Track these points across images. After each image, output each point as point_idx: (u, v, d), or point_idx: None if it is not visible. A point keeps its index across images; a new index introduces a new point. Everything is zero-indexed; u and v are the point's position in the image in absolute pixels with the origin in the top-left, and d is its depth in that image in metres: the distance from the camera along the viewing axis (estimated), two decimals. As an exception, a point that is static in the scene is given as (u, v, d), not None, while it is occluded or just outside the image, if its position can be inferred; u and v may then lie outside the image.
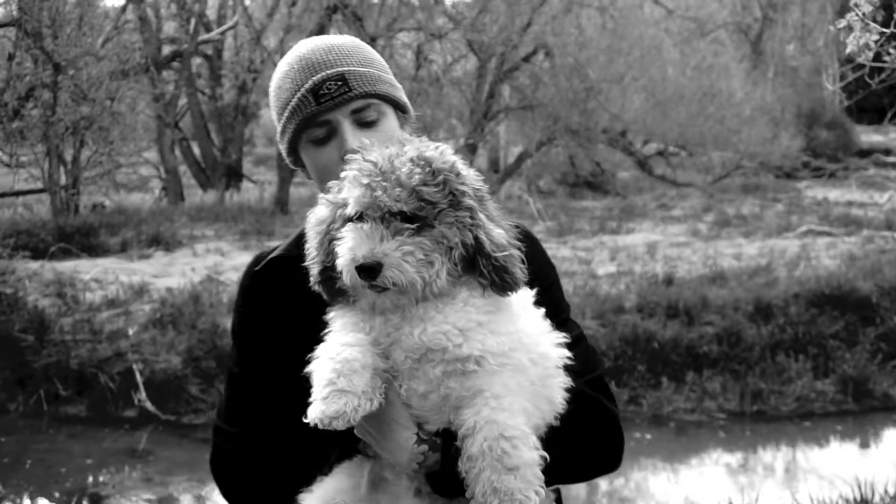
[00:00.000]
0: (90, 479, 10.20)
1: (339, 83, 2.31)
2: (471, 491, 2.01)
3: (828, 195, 25.29)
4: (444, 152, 2.16)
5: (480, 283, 2.13)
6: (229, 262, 15.47)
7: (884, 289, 14.01)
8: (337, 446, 2.27)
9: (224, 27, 20.28)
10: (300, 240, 2.35)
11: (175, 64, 20.83)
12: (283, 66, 2.42)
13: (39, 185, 17.61)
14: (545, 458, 2.06)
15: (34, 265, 14.21)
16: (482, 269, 2.11)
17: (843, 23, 4.53)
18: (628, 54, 22.30)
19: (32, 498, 9.85)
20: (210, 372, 11.80)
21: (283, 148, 2.45)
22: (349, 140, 2.29)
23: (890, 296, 13.98)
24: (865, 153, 38.67)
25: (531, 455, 2.03)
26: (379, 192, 2.05)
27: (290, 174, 20.70)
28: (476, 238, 2.11)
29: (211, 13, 22.37)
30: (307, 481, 2.28)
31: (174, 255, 15.96)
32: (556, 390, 2.19)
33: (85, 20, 16.71)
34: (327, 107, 2.31)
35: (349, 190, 2.10)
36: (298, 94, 2.34)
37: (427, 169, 2.09)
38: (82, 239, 16.13)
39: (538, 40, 21.40)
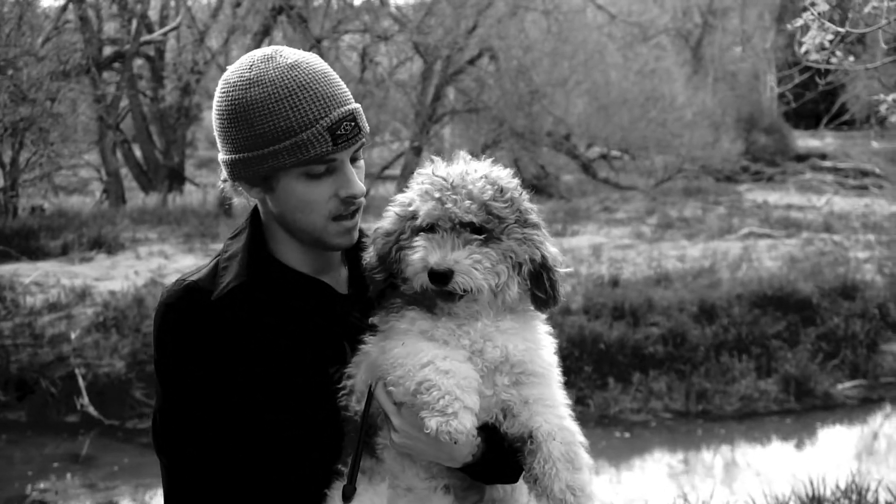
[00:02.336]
0: (31, 486, 10.02)
1: (353, 124, 2.30)
2: (548, 489, 2.22)
3: (767, 198, 25.65)
4: (509, 173, 2.33)
5: (538, 298, 2.31)
6: (173, 265, 15.31)
7: (824, 290, 14.25)
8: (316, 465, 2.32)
9: (167, 28, 20.05)
10: (216, 271, 2.36)
11: (116, 65, 20.56)
12: (272, 86, 2.25)
13: (-23, 187, 17.30)
14: None
15: (-28, 269, 13.96)
16: (545, 285, 2.29)
17: (799, 22, 4.57)
18: (572, 58, 22.44)
19: (-28, 506, 9.66)
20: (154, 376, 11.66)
21: (250, 172, 2.30)
22: (353, 183, 2.32)
23: (830, 297, 14.22)
24: (802, 158, 39.28)
25: (588, 456, 2.30)
26: (450, 205, 2.20)
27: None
28: (543, 255, 2.30)
29: (153, 14, 22.10)
30: None
31: (116, 258, 15.74)
32: None
33: (24, 20, 16.43)
34: (342, 148, 2.28)
35: (420, 203, 2.25)
36: (313, 130, 2.24)
37: (496, 186, 2.26)
38: (22, 242, 15.86)
39: (483, 43, 21.46)
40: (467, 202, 2.21)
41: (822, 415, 12.27)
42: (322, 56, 18.91)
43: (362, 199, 2.36)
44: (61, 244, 16.30)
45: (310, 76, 2.27)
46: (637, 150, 25.61)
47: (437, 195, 2.23)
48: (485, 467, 2.29)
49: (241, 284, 2.31)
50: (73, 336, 11.90)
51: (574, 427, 2.29)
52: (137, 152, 22.21)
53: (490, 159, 2.38)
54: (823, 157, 39.50)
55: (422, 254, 2.20)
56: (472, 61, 22.30)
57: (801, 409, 12.25)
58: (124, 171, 22.80)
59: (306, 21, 17.58)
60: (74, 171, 22.07)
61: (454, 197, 2.22)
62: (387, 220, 2.33)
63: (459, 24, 20.78)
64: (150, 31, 20.94)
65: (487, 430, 2.27)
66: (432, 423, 2.09)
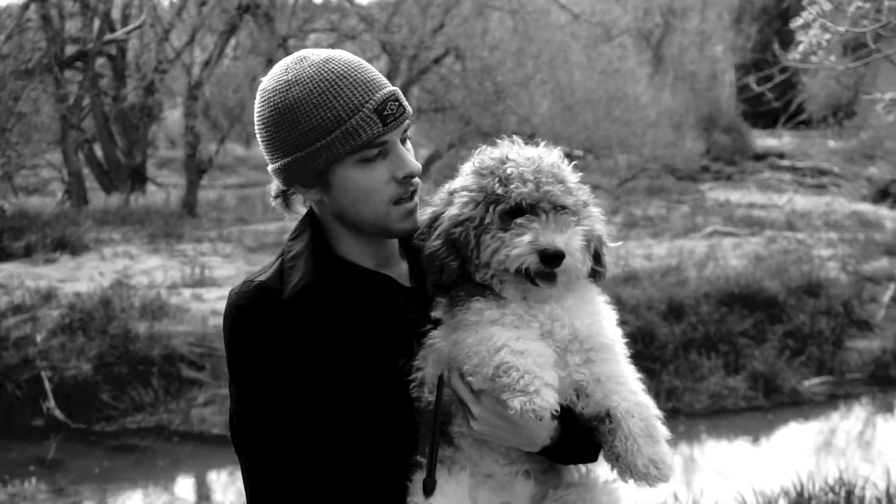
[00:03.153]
0: (-2, 490, 9.88)
1: (397, 104, 2.30)
2: (631, 465, 2.25)
3: (729, 197, 25.85)
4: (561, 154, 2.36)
5: (596, 272, 2.37)
6: (139, 265, 15.17)
7: (790, 287, 14.40)
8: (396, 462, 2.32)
9: (131, 26, 19.84)
10: (282, 271, 2.34)
11: (79, 64, 20.31)
12: (312, 82, 2.25)
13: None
14: None
15: (-66, 270, 13.75)
16: (602, 259, 2.38)
17: (799, 21, 4.56)
18: (537, 58, 22.46)
19: (-63, 513, 9.51)
20: (122, 378, 11.55)
21: (304, 171, 2.29)
22: (407, 162, 2.31)
23: (795, 294, 14.37)
24: (761, 157, 39.62)
25: (664, 428, 2.33)
26: (548, 187, 2.22)
27: (199, 175, 20.37)
28: (601, 231, 2.37)
29: (115, 12, 21.85)
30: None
31: (81, 260, 15.56)
32: None
33: (-15, 18, 16.20)
34: (392, 127, 2.28)
35: (510, 186, 2.23)
36: (361, 114, 2.24)
37: (570, 167, 2.34)
38: (-17, 243, 15.65)
39: (449, 43, 21.43)
40: (559, 185, 2.25)
41: (791, 411, 12.39)
42: (288, 55, 18.74)
43: (419, 180, 2.34)
44: (24, 245, 16.08)
45: (346, 66, 2.28)
46: (601, 150, 25.67)
47: (531, 178, 2.23)
48: (563, 449, 2.32)
49: (310, 283, 2.28)
50: (38, 338, 11.75)
51: (648, 401, 2.32)
52: (98, 152, 21.95)
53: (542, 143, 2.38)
54: (781, 156, 39.87)
55: (531, 236, 2.18)
56: (437, 60, 22.28)
57: (770, 406, 12.36)
58: (85, 170, 22.53)
59: (272, 20, 17.47)
60: (35, 172, 21.79)
61: (548, 179, 2.24)
62: (457, 207, 2.29)
63: (426, 23, 20.74)
64: (113, 29, 20.70)
65: (563, 412, 2.26)
66: (516, 402, 2.10)
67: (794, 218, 21.87)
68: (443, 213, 2.32)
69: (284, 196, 2.42)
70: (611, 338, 2.35)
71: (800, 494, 6.93)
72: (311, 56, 2.30)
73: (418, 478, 2.27)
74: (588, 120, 24.12)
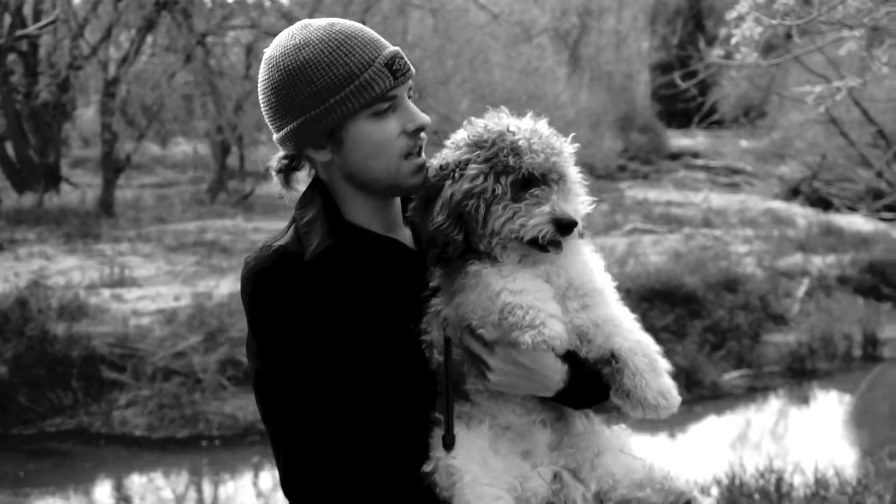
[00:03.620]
0: (-89, 497, 9.61)
1: (403, 59, 2.36)
2: (642, 399, 2.34)
3: (647, 195, 26.24)
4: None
5: (583, 233, 2.42)
6: (55, 266, 14.85)
7: (708, 283, 14.68)
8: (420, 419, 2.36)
9: (44, 22, 19.36)
10: (298, 236, 2.36)
11: (-12, 60, 19.80)
12: (321, 43, 2.30)
13: None
14: None
15: None
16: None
17: (733, 13, 4.63)
18: (457, 56, 22.51)
19: None
20: (40, 381, 11.30)
21: (319, 129, 2.31)
22: (417, 114, 2.36)
23: (714, 290, 14.66)
24: (676, 156, 40.26)
25: (664, 361, 2.44)
26: (556, 158, 2.31)
27: (116, 174, 20.00)
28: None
29: (26, 7, 21.32)
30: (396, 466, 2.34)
31: (-6, 260, 15.19)
32: None
33: None
34: (401, 82, 2.33)
35: (524, 158, 2.29)
36: (373, 68, 2.29)
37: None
38: None
39: (369, 41, 21.35)
40: (562, 155, 2.35)
41: (712, 404, 12.61)
42: (207, 52, 18.64)
43: (425, 135, 2.39)
44: (-66, 246, 15.66)
45: (351, 27, 2.35)
46: (521, 149, 25.81)
47: (540, 148, 2.30)
48: (575, 392, 2.39)
49: (329, 246, 2.30)
50: (-48, 341, 11.43)
51: (647, 337, 2.43)
52: (10, 150, 21.41)
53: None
54: (696, 155, 40.55)
55: (549, 206, 2.26)
56: (357, 59, 22.17)
57: (691, 400, 12.55)
58: (-4, 169, 22.00)
59: (191, 16, 17.24)
60: (-57, 170, 21.21)
61: (554, 150, 2.33)
62: (466, 180, 2.31)
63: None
64: (25, 25, 20.21)
65: (570, 357, 2.36)
66: (526, 337, 2.17)
67: (711, 215, 22.30)
68: (438, 187, 2.34)
69: (287, 170, 2.45)
70: (602, 283, 2.44)
71: (732, 481, 7.07)
72: (314, 22, 2.36)
73: (438, 434, 2.32)
74: (508, 119, 24.20)
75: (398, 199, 2.49)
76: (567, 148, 2.38)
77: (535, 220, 2.27)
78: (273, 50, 2.36)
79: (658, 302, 13.91)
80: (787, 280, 16.15)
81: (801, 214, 23.46)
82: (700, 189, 29.27)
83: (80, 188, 22.31)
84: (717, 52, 5.91)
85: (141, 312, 12.51)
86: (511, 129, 2.34)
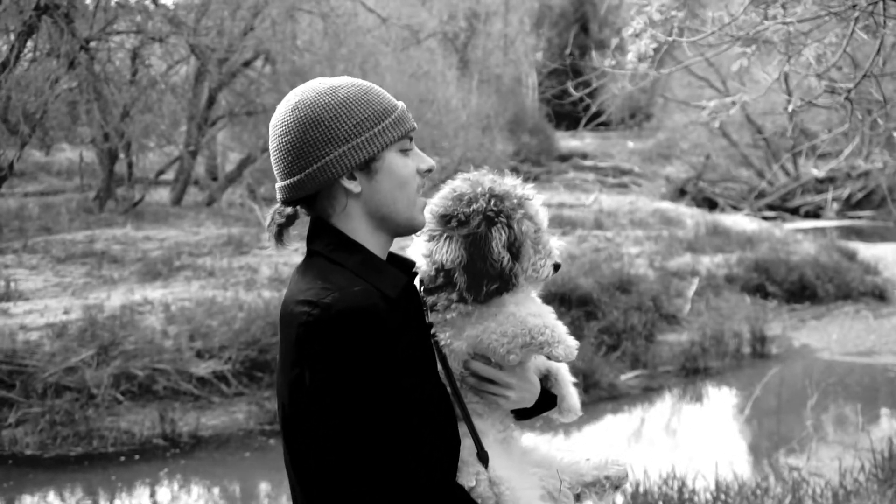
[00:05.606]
0: None
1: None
2: (571, 405, 2.82)
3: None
4: None
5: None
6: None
7: (602, 284, 14.92)
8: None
9: (-84, 26, 18.63)
10: (358, 275, 2.46)
11: None
12: (352, 86, 2.52)
13: None
14: None
15: None
16: None
17: (630, 30, 4.73)
18: (348, 61, 22.40)
19: None
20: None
21: (362, 155, 2.49)
22: (426, 157, 2.62)
23: (608, 291, 14.90)
24: (565, 157, 40.86)
25: None
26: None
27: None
28: None
29: None
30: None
31: None
32: None
33: None
34: (415, 126, 2.58)
35: (536, 211, 2.68)
36: (399, 109, 2.54)
37: None
38: None
39: (259, 46, 21.14)
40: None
41: (611, 404, 12.80)
42: (92, 57, 18.17)
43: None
44: None
45: (364, 80, 2.59)
46: (414, 152, 25.84)
47: (536, 202, 2.68)
48: (539, 401, 2.76)
49: (406, 282, 2.53)
50: None
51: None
52: None
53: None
54: (584, 156, 41.21)
55: (553, 250, 2.73)
56: (247, 63, 21.93)
57: (589, 401, 12.71)
58: None
59: (73, 21, 16.76)
60: None
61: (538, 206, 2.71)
62: (522, 224, 2.64)
63: (235, 25, 20.39)
64: None
65: None
66: (560, 350, 2.55)
67: (602, 217, 22.65)
68: (484, 233, 2.59)
69: (286, 224, 2.59)
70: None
71: (636, 489, 7.17)
72: (329, 78, 2.58)
73: (465, 451, 2.55)
74: (400, 123, 24.21)
75: None
76: None
77: (548, 262, 2.70)
78: (300, 96, 2.52)
79: (554, 304, 13.93)
80: (678, 280, 16.52)
81: (689, 215, 24.00)
82: (590, 190, 29.73)
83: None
84: (608, 62, 6.03)
85: (29, 327, 12.14)
86: (516, 186, 2.67)
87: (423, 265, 2.62)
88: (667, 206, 26.22)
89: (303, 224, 2.63)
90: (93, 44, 18.05)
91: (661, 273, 16.46)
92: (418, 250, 2.65)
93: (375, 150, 2.48)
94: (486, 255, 2.57)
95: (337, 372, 2.30)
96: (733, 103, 4.67)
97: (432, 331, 2.60)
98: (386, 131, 2.49)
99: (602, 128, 45.03)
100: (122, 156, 21.55)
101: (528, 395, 2.69)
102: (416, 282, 2.64)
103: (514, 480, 2.54)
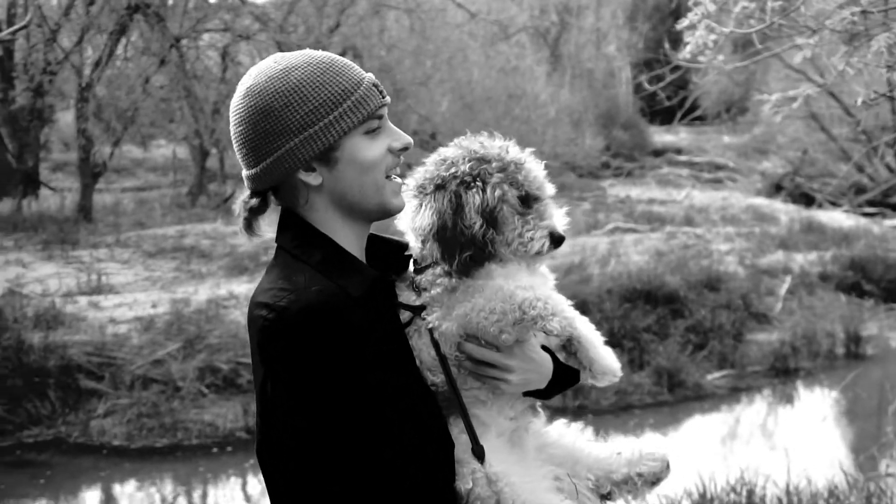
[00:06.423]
0: None
1: (380, 84, 2.41)
2: (605, 367, 2.49)
3: (630, 193, 26.21)
4: None
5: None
6: (32, 273, 14.70)
7: (690, 282, 14.64)
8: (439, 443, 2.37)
9: (15, 27, 19.15)
10: (322, 273, 2.31)
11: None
12: (308, 66, 2.32)
13: None
14: None
15: None
16: None
17: (685, 22, 4.58)
18: (435, 56, 22.43)
19: None
20: (17, 391, 11.16)
21: (317, 147, 2.30)
22: (402, 134, 2.42)
23: (695, 289, 14.62)
24: (659, 153, 40.33)
25: None
26: (545, 179, 2.48)
27: (94, 179, 19.85)
28: None
29: (0, 12, 21.14)
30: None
31: (-30, 268, 15.03)
32: None
33: None
34: (386, 102, 2.38)
35: (530, 176, 2.44)
36: (363, 87, 2.33)
37: None
38: None
39: (346, 42, 21.27)
40: (545, 174, 2.51)
41: (695, 405, 12.56)
42: (182, 55, 18.49)
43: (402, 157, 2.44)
44: None
45: (329, 54, 2.39)
46: (501, 148, 25.75)
47: (536, 167, 2.47)
48: (557, 379, 2.52)
49: (374, 279, 2.34)
50: (-74, 352, 11.28)
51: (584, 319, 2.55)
52: (-13, 156, 21.24)
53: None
54: (679, 151, 40.61)
55: (549, 221, 2.46)
56: (335, 60, 22.06)
57: (674, 401, 12.51)
58: (-27, 176, 21.81)
59: (164, 20, 17.08)
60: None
61: (541, 171, 2.49)
62: (496, 188, 2.43)
63: (322, 22, 20.54)
64: (-1, 29, 20.05)
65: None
66: (554, 323, 2.33)
67: (693, 213, 22.28)
68: (462, 195, 2.42)
69: (255, 212, 2.40)
70: (550, 278, 2.58)
71: (702, 496, 6.98)
72: (287, 53, 2.38)
73: (460, 448, 2.35)
74: (488, 118, 24.17)
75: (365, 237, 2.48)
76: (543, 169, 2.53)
77: (539, 233, 2.43)
78: (253, 79, 2.33)
79: (640, 302, 13.85)
80: (769, 278, 16.14)
81: (783, 211, 23.47)
82: (683, 186, 29.28)
83: (59, 193, 22.15)
84: (682, 55, 5.84)
85: (118, 320, 12.40)
86: (511, 150, 2.47)
87: (413, 242, 2.47)
88: (760, 201, 25.69)
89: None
90: (183, 42, 18.37)
91: (751, 271, 16.10)
92: (405, 226, 2.48)
93: (332, 139, 2.30)
94: (457, 221, 2.38)
95: (297, 377, 2.19)
96: (794, 98, 4.47)
97: (423, 314, 2.39)
98: (344, 116, 2.30)
99: (697, 122, 44.38)
100: (213, 152, 21.90)
101: (535, 376, 2.47)
102: (411, 264, 2.47)
103: (514, 475, 2.31)
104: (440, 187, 2.43)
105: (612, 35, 45.05)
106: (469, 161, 2.44)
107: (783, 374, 13.57)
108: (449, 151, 2.48)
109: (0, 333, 11.51)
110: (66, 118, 26.96)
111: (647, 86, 8.50)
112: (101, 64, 17.93)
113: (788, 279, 16.20)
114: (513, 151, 2.46)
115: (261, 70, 2.34)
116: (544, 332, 2.36)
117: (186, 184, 24.03)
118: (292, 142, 2.29)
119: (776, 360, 13.70)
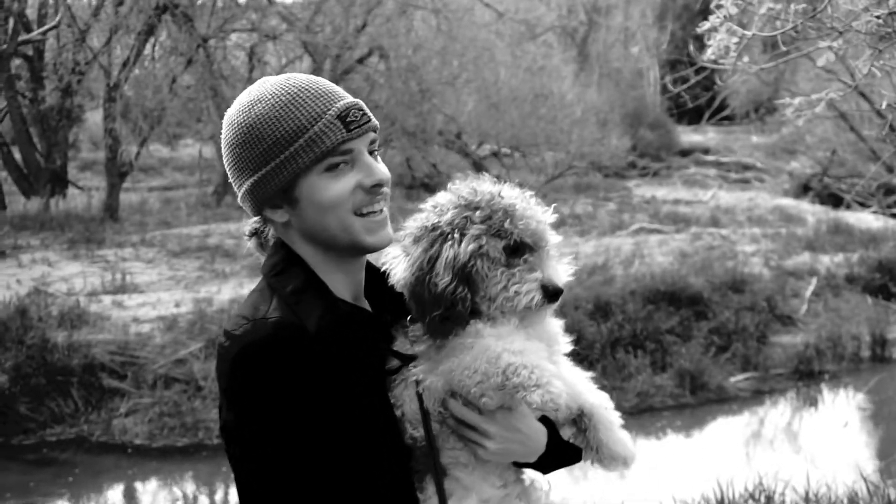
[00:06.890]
0: (-89, 508, 9.57)
1: (361, 112, 2.26)
2: (613, 453, 2.42)
3: (655, 194, 26.08)
4: None
5: None
6: (58, 272, 14.80)
7: (714, 284, 14.54)
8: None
9: (46, 27, 19.34)
10: (288, 304, 2.22)
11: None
12: (272, 98, 2.23)
13: None
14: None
15: None
16: None
17: (706, 25, 4.55)
18: (462, 56, 22.43)
19: None
20: (41, 389, 11.25)
21: (272, 187, 2.23)
22: (375, 169, 2.26)
23: (720, 291, 14.51)
24: (686, 152, 40.10)
25: None
26: (542, 226, 2.28)
27: (120, 178, 19.98)
28: None
29: (30, 12, 21.32)
30: None
31: (-3, 267, 15.16)
32: None
33: None
34: (356, 134, 2.23)
35: (520, 223, 2.25)
36: (323, 121, 2.20)
37: None
38: None
39: (373, 42, 21.32)
40: (545, 222, 2.31)
41: (717, 408, 12.48)
42: (209, 55, 18.59)
43: (387, 189, 2.29)
44: (-63, 253, 15.64)
45: (305, 80, 2.27)
46: (527, 148, 25.73)
47: (529, 214, 2.28)
48: (550, 455, 2.38)
49: (333, 318, 2.21)
50: (-48, 350, 11.39)
51: (603, 393, 2.46)
52: (17, 155, 21.43)
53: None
54: (706, 151, 40.37)
55: (539, 274, 2.26)
56: (361, 60, 22.13)
57: (696, 403, 12.44)
58: (3, 174, 22.01)
59: (192, 20, 17.18)
60: (-51, 176, 21.26)
61: (541, 217, 2.30)
62: (472, 241, 2.26)
63: (348, 22, 20.59)
64: (29, 30, 20.21)
65: (543, 419, 2.37)
66: (535, 396, 2.13)
67: (719, 213, 22.14)
68: (437, 249, 2.27)
69: (258, 234, 2.39)
70: (563, 342, 2.43)
71: (720, 502, 6.93)
72: (272, 78, 2.30)
73: None
74: (514, 118, 24.15)
75: (363, 269, 2.39)
76: (548, 215, 2.34)
77: (528, 286, 2.24)
78: (231, 108, 2.30)
79: (663, 304, 13.78)
80: (795, 280, 16.00)
81: (811, 212, 23.28)
82: (710, 186, 29.11)
83: (87, 192, 22.30)
84: (705, 57, 5.80)
85: (142, 319, 12.47)
86: (504, 193, 2.30)
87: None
88: (787, 202, 25.49)
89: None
90: (210, 42, 18.45)
91: (776, 272, 15.97)
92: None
93: (283, 181, 2.21)
94: (428, 277, 2.23)
95: (241, 407, 2.15)
96: (818, 101, 4.43)
97: (411, 364, 2.27)
98: (296, 156, 2.19)
99: (725, 122, 44.11)
100: (239, 151, 21.99)
101: (518, 448, 2.29)
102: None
103: None
104: (418, 239, 2.29)
105: (640, 34, 44.87)
106: (453, 209, 2.29)
107: (807, 377, 13.46)
108: (442, 197, 2.34)
109: (25, 332, 11.61)
110: (94, 118, 27.18)
111: (670, 87, 8.44)
112: (129, 64, 18.06)
113: (814, 281, 16.06)
114: (508, 196, 2.29)
115: (239, 99, 2.30)
116: (528, 404, 2.17)
117: (212, 183, 24.15)
118: (250, 180, 2.25)
119: (800, 363, 13.59)
